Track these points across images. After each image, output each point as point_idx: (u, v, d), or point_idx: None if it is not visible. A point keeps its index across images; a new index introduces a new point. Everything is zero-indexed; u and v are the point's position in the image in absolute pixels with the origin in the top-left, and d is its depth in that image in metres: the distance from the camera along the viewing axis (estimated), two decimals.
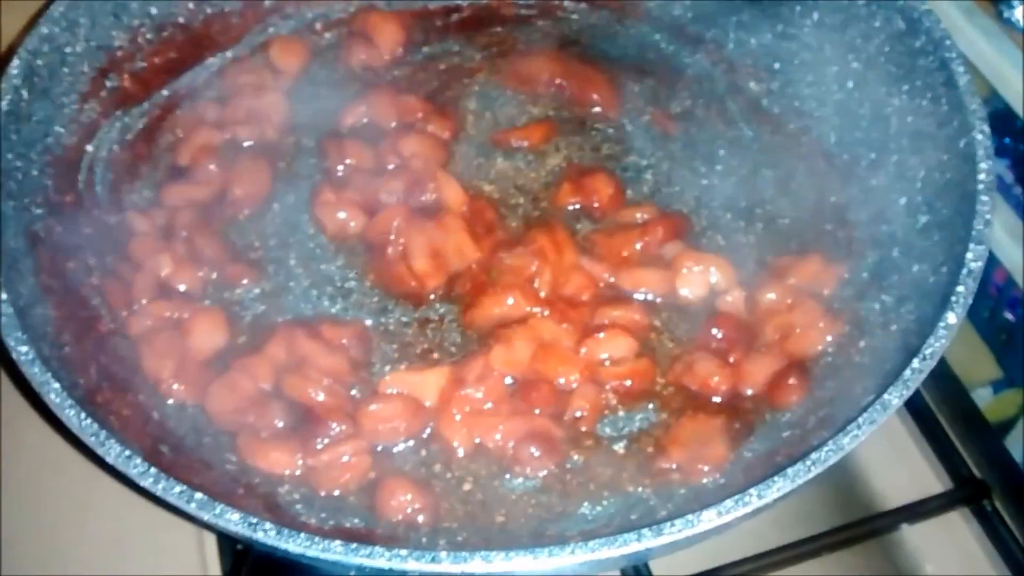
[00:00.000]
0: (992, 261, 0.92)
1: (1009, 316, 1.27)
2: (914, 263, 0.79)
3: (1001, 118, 1.05)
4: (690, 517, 0.60)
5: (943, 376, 0.91)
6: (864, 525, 0.81)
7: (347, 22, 1.04)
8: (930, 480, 0.85)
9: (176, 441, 0.77)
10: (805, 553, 0.79)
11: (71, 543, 0.84)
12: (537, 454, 0.76)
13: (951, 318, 0.68)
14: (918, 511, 0.82)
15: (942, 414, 0.88)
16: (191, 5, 0.98)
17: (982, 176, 0.74)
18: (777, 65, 0.97)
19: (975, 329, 1.23)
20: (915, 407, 0.87)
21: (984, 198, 0.73)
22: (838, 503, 0.83)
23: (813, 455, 0.62)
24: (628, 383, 0.80)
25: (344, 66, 1.02)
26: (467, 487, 0.76)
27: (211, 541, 0.84)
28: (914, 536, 0.82)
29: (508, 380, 0.80)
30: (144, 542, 0.83)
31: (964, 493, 0.82)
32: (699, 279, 0.84)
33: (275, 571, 0.78)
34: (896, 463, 0.86)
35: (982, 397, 1.28)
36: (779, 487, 0.61)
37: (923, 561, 0.82)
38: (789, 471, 0.62)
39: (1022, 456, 1.09)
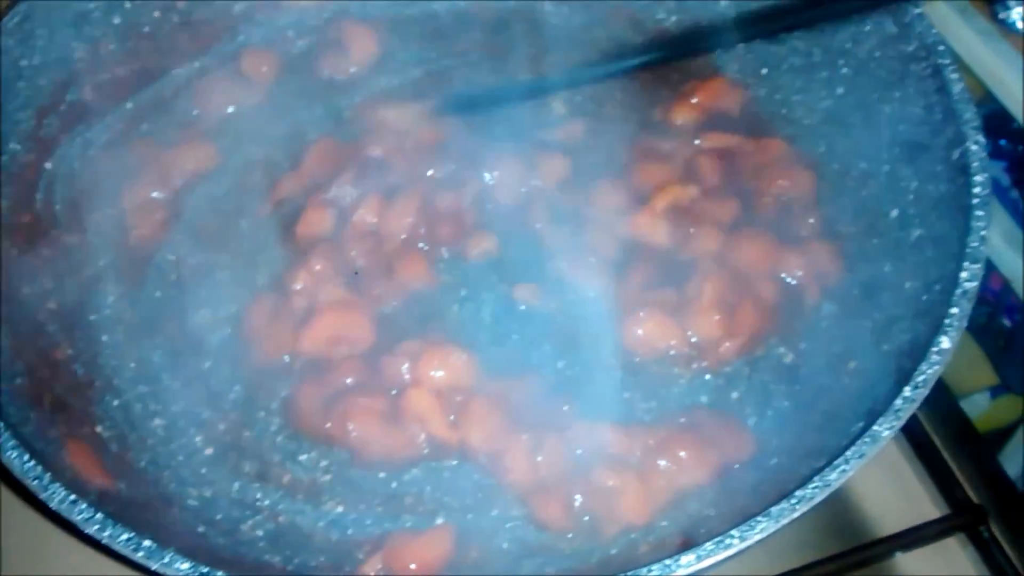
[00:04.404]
0: (988, 266, 0.89)
1: (1006, 322, 1.25)
2: (906, 280, 0.76)
3: (996, 120, 1.02)
4: (668, 562, 0.56)
5: (938, 394, 0.87)
6: (855, 554, 0.77)
7: (320, 30, 1.00)
8: (925, 505, 0.81)
9: (135, 475, 0.74)
10: None
11: None
12: None
13: (944, 342, 0.65)
14: (913, 538, 0.78)
15: (937, 435, 0.84)
16: (157, 14, 0.94)
17: (977, 189, 0.71)
18: (764, 70, 0.94)
19: (972, 335, 1.20)
20: (908, 427, 0.82)
21: (979, 212, 0.70)
22: (827, 530, 0.79)
23: (798, 492, 0.59)
24: None
25: (317, 76, 0.98)
26: (439, 520, 0.73)
27: None
28: (909, 565, 0.79)
29: None
30: None
31: (961, 519, 0.79)
32: None
33: None
34: (889, 487, 0.82)
35: (979, 404, 1.25)
36: (762, 527, 0.58)
37: None
38: (773, 510, 0.58)
39: (1022, 465, 1.06)
